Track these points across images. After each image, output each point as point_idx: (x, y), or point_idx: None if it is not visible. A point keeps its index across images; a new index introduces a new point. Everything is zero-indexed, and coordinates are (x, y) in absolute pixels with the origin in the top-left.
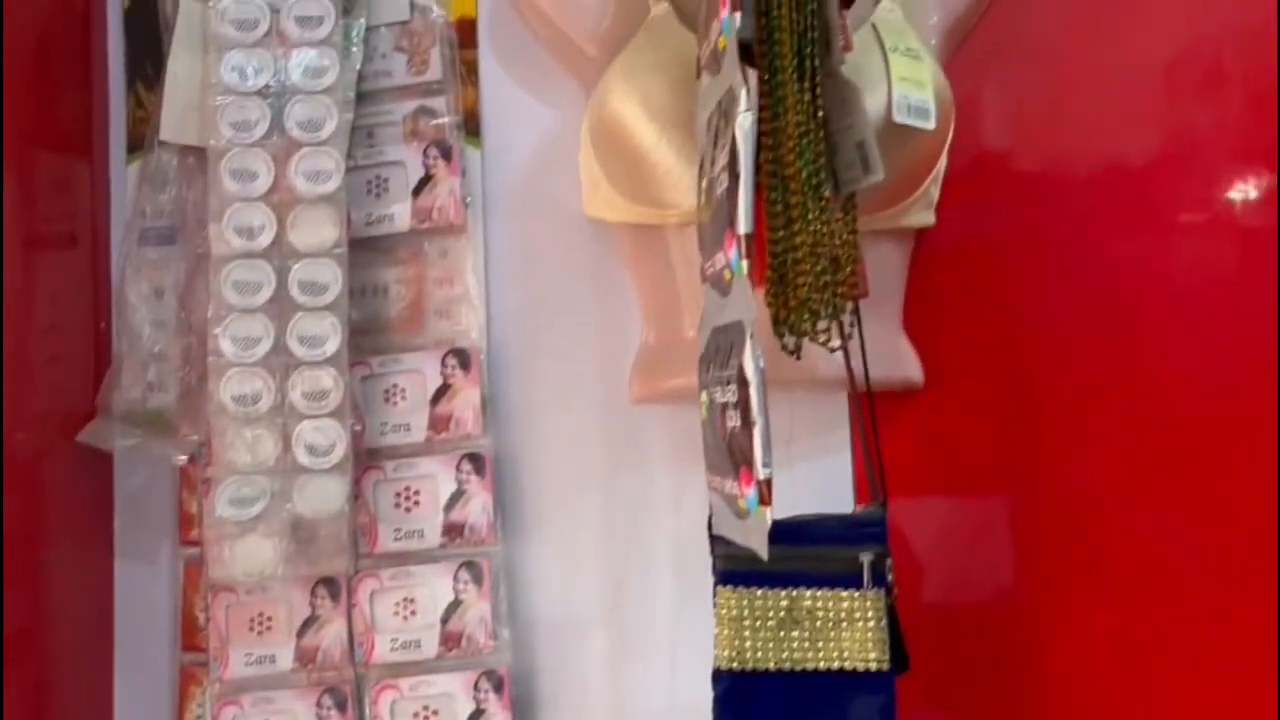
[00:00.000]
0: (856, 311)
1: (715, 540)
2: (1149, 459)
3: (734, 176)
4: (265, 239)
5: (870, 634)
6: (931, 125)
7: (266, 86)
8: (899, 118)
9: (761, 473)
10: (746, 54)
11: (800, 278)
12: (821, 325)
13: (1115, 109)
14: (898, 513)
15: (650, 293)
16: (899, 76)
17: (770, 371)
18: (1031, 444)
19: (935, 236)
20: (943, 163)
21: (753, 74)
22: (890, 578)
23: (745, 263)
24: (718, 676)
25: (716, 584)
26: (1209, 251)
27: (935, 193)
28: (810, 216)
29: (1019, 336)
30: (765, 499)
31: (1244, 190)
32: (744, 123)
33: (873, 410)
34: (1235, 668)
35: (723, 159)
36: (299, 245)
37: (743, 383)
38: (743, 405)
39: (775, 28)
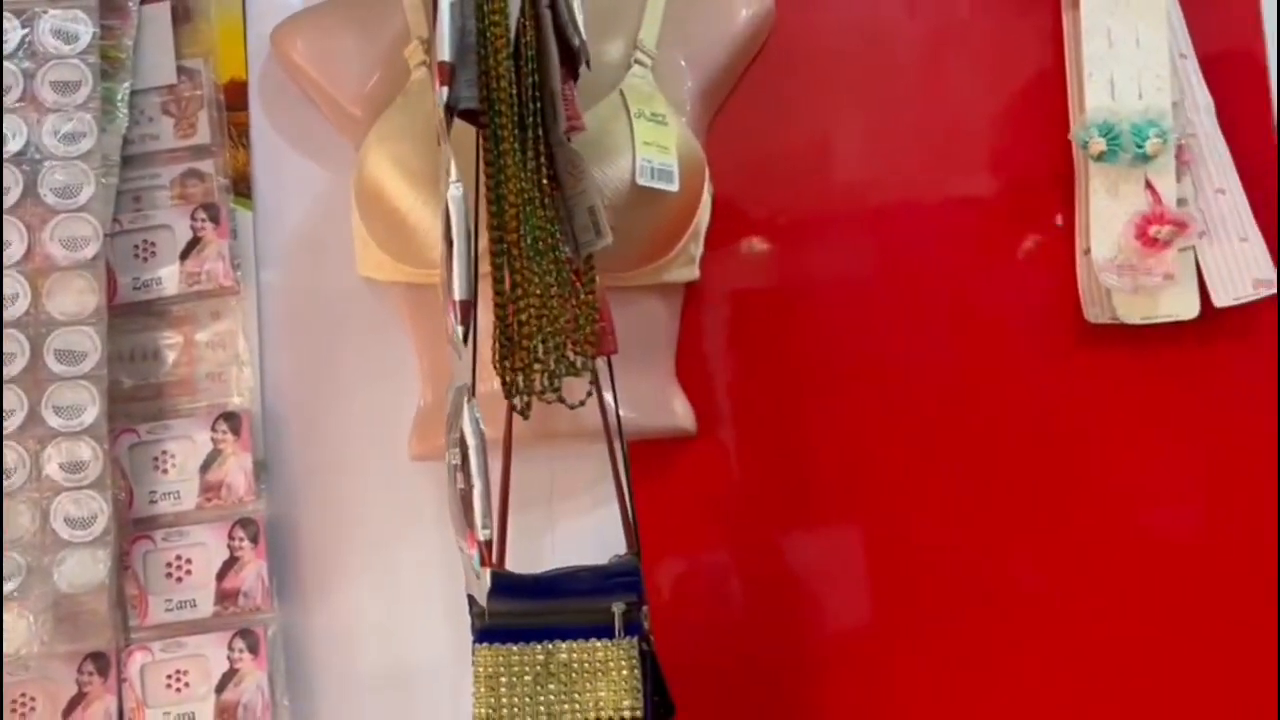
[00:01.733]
0: (610, 367)
1: (472, 599)
2: (917, 502)
3: (448, 243)
4: (19, 308)
5: (624, 683)
6: (674, 188)
7: (20, 153)
8: (641, 181)
9: (481, 534)
10: (475, 122)
11: (525, 340)
12: (557, 384)
13: (868, 167)
14: (675, 560)
15: (426, 351)
16: (643, 141)
17: (541, 425)
18: (803, 489)
19: (704, 290)
20: (703, 220)
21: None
22: (646, 625)
23: (461, 329)
24: None
25: (474, 642)
26: (965, 297)
27: (696, 250)
28: (535, 281)
29: (786, 385)
30: (485, 559)
31: (994, 239)
32: (453, 193)
33: (626, 461)
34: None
35: (440, 226)
36: (55, 313)
37: (463, 445)
38: (464, 467)
39: (496, 99)
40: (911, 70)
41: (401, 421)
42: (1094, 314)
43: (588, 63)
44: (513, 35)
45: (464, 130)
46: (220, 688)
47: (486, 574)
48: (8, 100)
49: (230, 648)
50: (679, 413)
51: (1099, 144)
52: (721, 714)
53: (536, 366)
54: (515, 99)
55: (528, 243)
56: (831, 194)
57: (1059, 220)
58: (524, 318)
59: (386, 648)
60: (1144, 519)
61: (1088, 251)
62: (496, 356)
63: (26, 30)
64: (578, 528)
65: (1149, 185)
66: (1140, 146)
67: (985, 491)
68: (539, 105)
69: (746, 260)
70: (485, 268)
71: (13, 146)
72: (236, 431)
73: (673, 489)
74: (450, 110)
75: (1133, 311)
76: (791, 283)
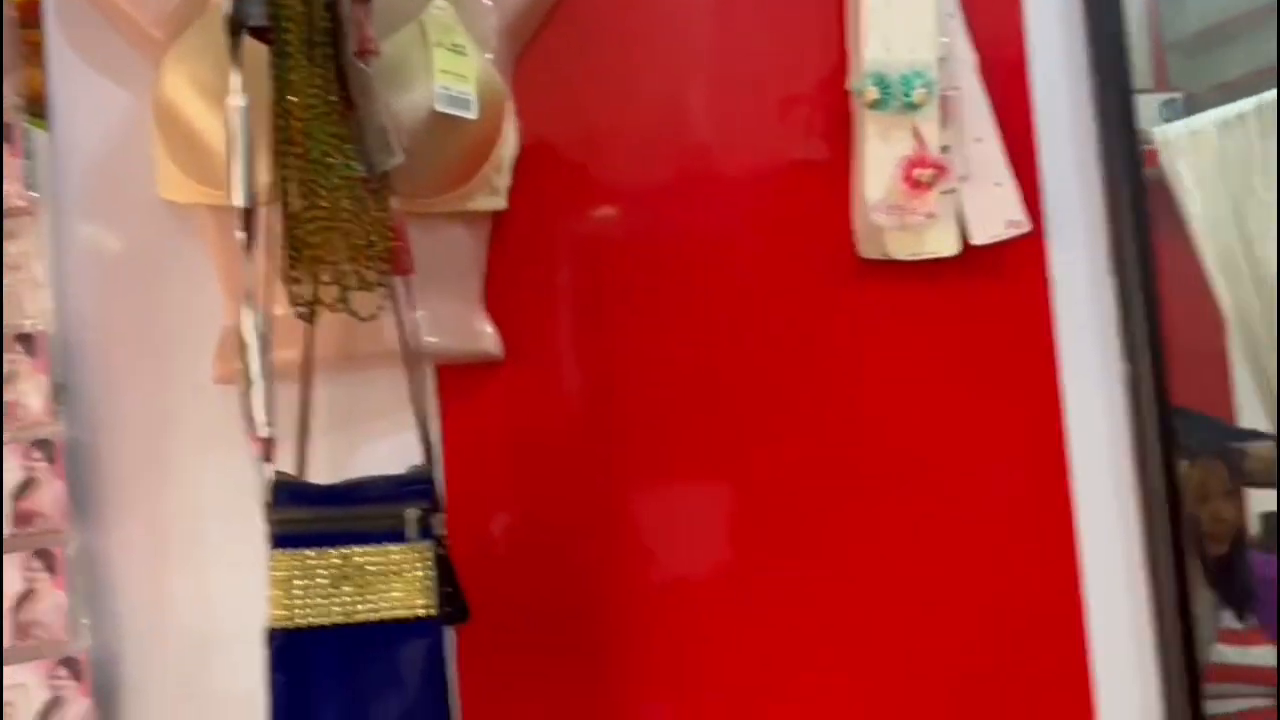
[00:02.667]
0: (409, 288)
1: (268, 506)
2: (711, 431)
3: (230, 152)
4: None
5: (418, 584)
6: (472, 115)
7: None
8: (439, 107)
9: (262, 431)
10: (263, 38)
11: (311, 250)
12: (346, 296)
13: (667, 110)
14: (479, 478)
15: (228, 273)
16: (440, 69)
17: (342, 346)
18: (604, 415)
19: (512, 221)
20: (507, 152)
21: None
22: (439, 532)
23: (241, 234)
24: (271, 636)
25: (269, 548)
26: (755, 233)
27: (501, 180)
28: (323, 194)
29: (591, 315)
30: (267, 456)
31: (782, 180)
32: (233, 103)
33: (419, 376)
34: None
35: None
36: None
37: (243, 346)
38: (244, 368)
39: (283, 16)
40: (707, 21)
41: (205, 344)
42: (867, 250)
43: None
44: None
45: (260, 52)
46: (17, 608)
47: (270, 469)
48: None
49: (27, 568)
50: (485, 337)
51: (872, 92)
52: (519, 624)
53: (324, 278)
54: (304, 18)
55: (314, 156)
56: (632, 133)
57: (839, 165)
58: (311, 228)
59: (191, 567)
60: (915, 438)
61: (863, 193)
62: (282, 264)
63: None
64: (382, 450)
65: (916, 132)
66: (908, 95)
67: (772, 410)
68: (329, 25)
69: (554, 194)
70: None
71: None
72: (32, 353)
73: (480, 413)
74: (237, 26)
75: (901, 248)
76: (596, 217)
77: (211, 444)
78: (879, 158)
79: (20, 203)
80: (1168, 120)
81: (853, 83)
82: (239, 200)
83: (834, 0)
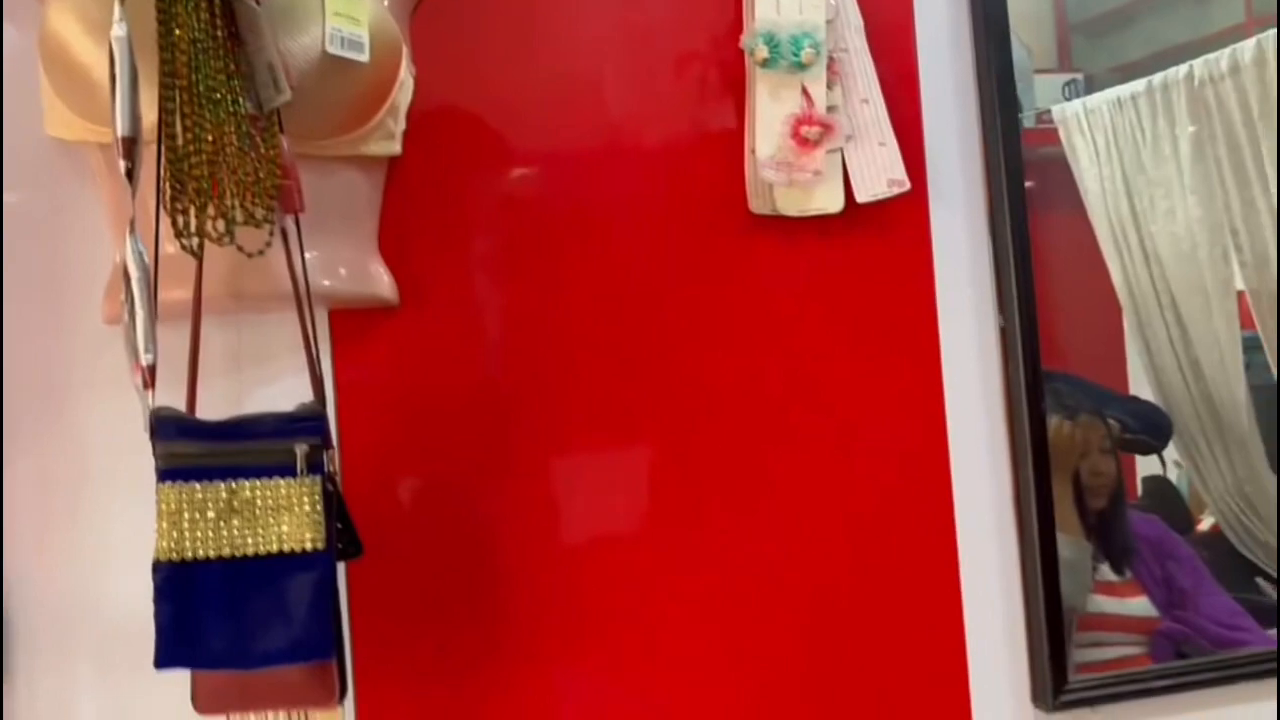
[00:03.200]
0: (299, 227)
1: (154, 439)
2: (603, 379)
3: (112, 81)
4: None
5: (306, 518)
6: (364, 58)
7: None
8: (331, 49)
9: (144, 359)
10: None
11: (195, 184)
12: (231, 228)
13: (565, 61)
14: (373, 423)
15: (118, 211)
16: (333, 11)
17: (237, 285)
18: (497, 361)
19: (408, 168)
20: (403, 97)
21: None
22: (330, 468)
23: (124, 163)
24: (157, 568)
25: (158, 482)
26: (648, 185)
27: (396, 126)
28: (209, 128)
29: (486, 262)
30: (148, 383)
31: (677, 134)
32: (116, 32)
33: (311, 317)
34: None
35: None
36: None
37: (125, 276)
38: (129, 299)
39: None
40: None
41: (95, 284)
42: (758, 206)
43: None
44: None
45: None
46: None
47: (150, 397)
48: None
49: None
50: (379, 281)
51: (763, 51)
52: (414, 564)
53: (210, 211)
54: None
55: (200, 90)
56: (530, 87)
57: (733, 122)
58: (195, 161)
59: (80, 505)
60: (802, 387)
61: (754, 150)
62: (166, 196)
63: None
64: (273, 393)
65: (804, 91)
66: (797, 55)
67: (666, 360)
68: None
69: (451, 143)
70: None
71: None
72: None
73: (374, 358)
74: None
75: (789, 205)
76: (491, 166)
77: (101, 384)
78: (769, 115)
79: None
80: (1069, 100)
81: (745, 41)
82: (122, 129)
83: None
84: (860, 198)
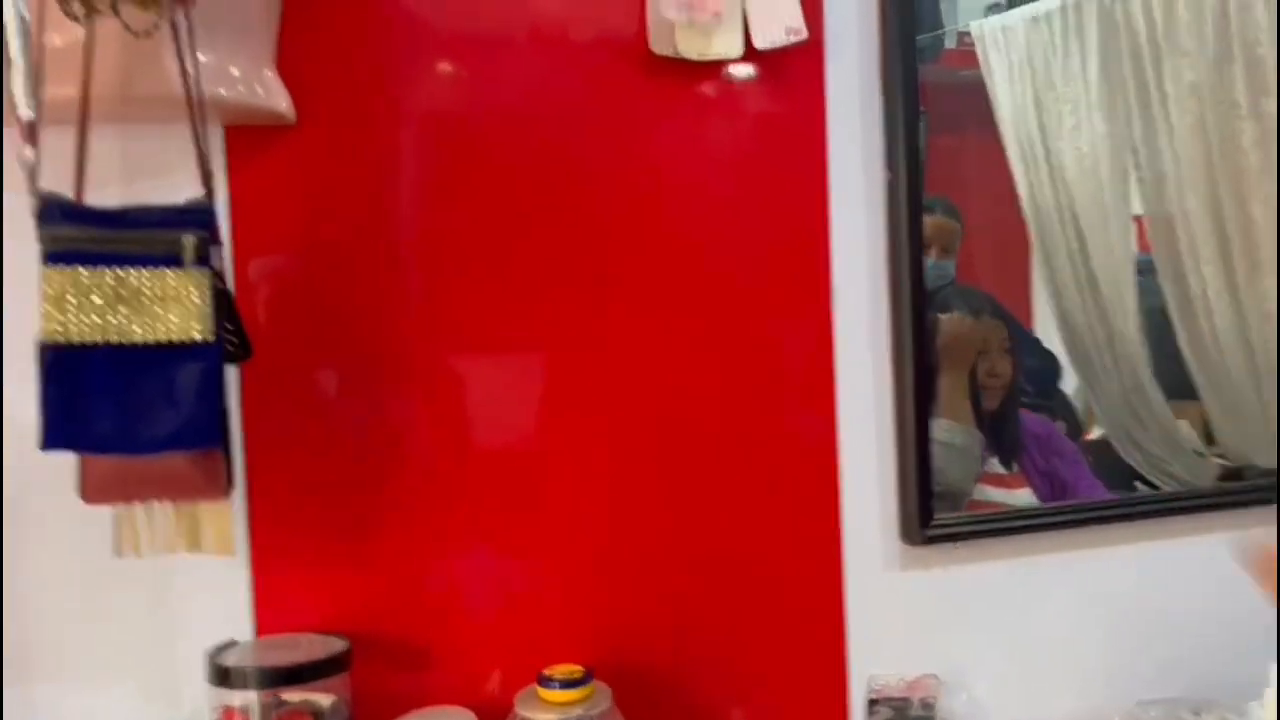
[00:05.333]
0: (190, 25)
1: (40, 220)
2: (503, 214)
3: None
4: None
5: (194, 309)
6: None
7: None
8: None
9: (23, 112)
10: None
11: None
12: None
13: None
14: (267, 240)
15: None
16: None
17: (127, 86)
18: (392, 187)
19: None
20: None
21: None
22: (216, 264)
23: None
24: (43, 350)
25: (42, 265)
26: (548, 22)
27: None
28: None
29: (385, 82)
30: (29, 139)
31: None
32: None
33: (202, 121)
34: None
35: None
36: None
37: (3, 26)
38: (4, 49)
39: None
40: None
41: None
42: (659, 47)
43: None
44: None
45: None
46: None
47: (27, 151)
48: None
49: None
50: (275, 93)
51: None
52: (301, 369)
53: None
54: None
55: None
56: None
57: None
58: None
59: None
60: (692, 231)
61: None
62: None
63: None
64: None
65: None
66: None
67: (559, 197)
68: None
69: None
70: None
71: None
72: None
73: (270, 175)
74: None
75: (690, 48)
76: None
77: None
78: None
79: None
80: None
81: None
82: None
83: None
84: (758, 44)
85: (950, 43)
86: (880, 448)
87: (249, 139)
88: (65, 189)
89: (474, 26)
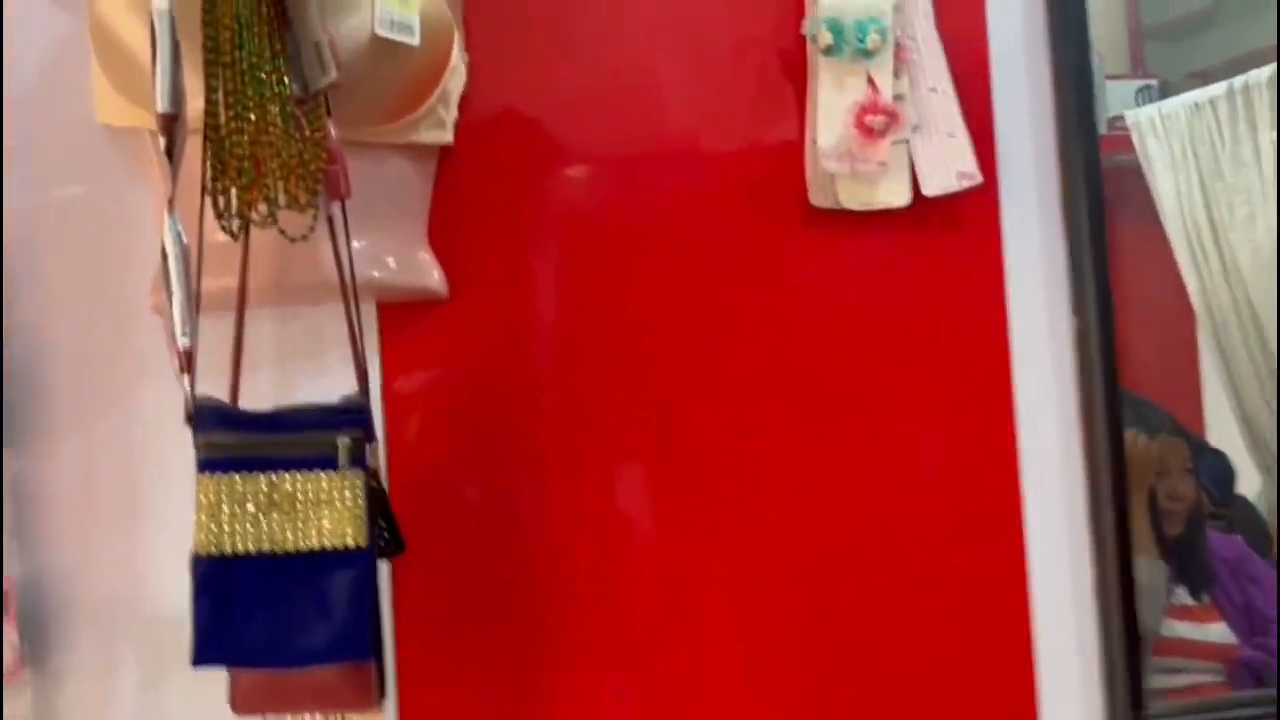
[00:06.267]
0: (345, 215)
1: (195, 428)
2: (653, 372)
3: (153, 56)
4: None
5: (348, 514)
6: (415, 41)
7: None
8: (380, 31)
9: (181, 342)
10: None
11: (237, 164)
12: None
13: (618, 50)
14: (420, 417)
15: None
16: None
17: (278, 276)
18: (548, 357)
19: (459, 155)
20: (455, 84)
21: None
22: (372, 462)
23: (162, 139)
24: (196, 562)
25: (197, 472)
26: (704, 177)
27: (448, 114)
28: (252, 106)
29: (538, 255)
30: (184, 367)
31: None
32: (157, 4)
33: (356, 305)
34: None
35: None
36: None
37: (164, 256)
38: (165, 277)
39: None
40: None
41: (143, 272)
42: (819, 199)
43: None
44: None
45: None
46: None
47: (187, 382)
48: None
49: None
50: (428, 273)
51: (827, 37)
52: (457, 561)
53: (252, 192)
54: None
55: (244, 68)
56: (584, 73)
57: (792, 111)
58: (238, 140)
59: (121, 494)
60: (862, 390)
61: (815, 141)
62: (208, 177)
63: None
64: (319, 386)
65: (870, 79)
66: (862, 41)
67: (719, 357)
68: None
69: (503, 131)
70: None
71: None
72: None
73: (422, 351)
74: None
75: (853, 198)
76: (545, 155)
77: (146, 373)
78: (832, 104)
79: None
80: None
81: (807, 27)
82: (161, 105)
83: None
84: (928, 191)
85: (1101, 128)
86: (1080, 630)
87: (401, 315)
88: (220, 375)
89: (624, 188)
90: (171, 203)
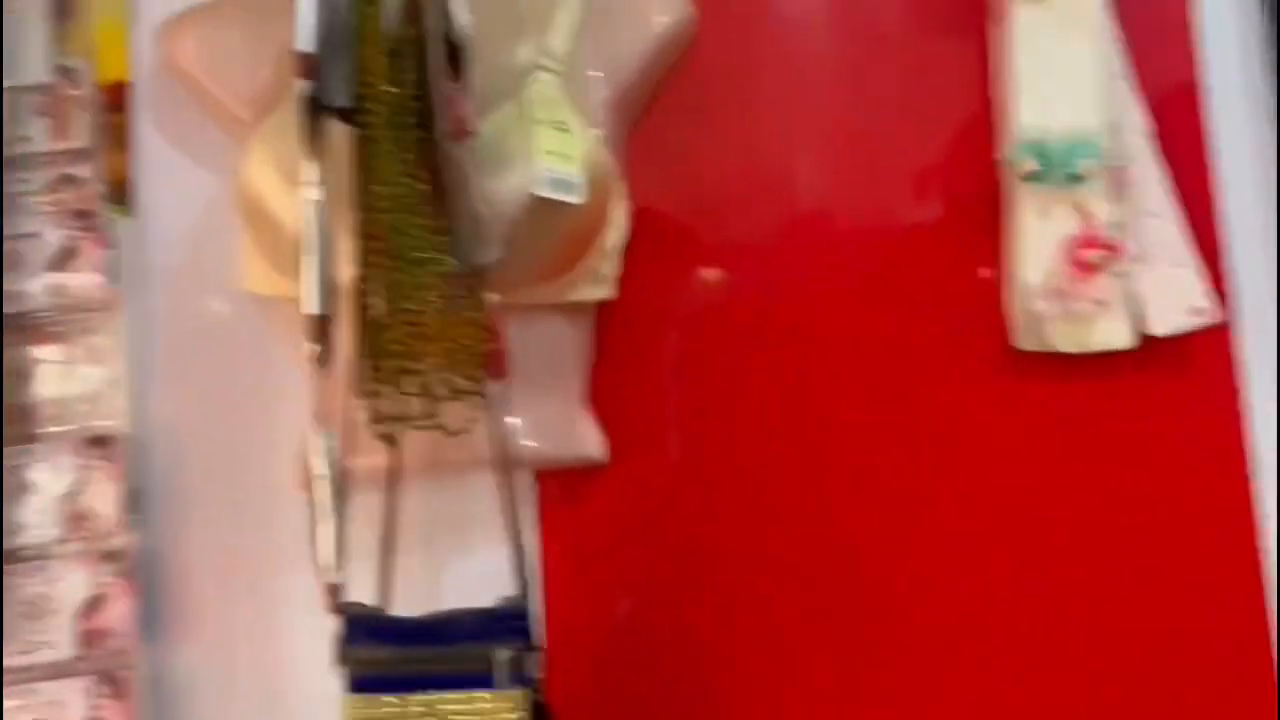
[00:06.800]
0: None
1: (342, 644)
2: (839, 537)
3: (302, 251)
4: None
5: None
6: (577, 199)
7: None
8: (540, 191)
9: (329, 575)
10: (350, 121)
11: (393, 360)
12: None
13: (791, 185)
14: (582, 597)
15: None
16: (544, 150)
17: (435, 453)
18: (719, 523)
19: (618, 310)
20: (616, 236)
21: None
22: (535, 674)
23: (312, 346)
24: None
25: (345, 692)
26: (889, 321)
27: (607, 267)
28: (410, 295)
29: (705, 412)
30: (334, 606)
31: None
32: (308, 196)
33: (512, 481)
34: None
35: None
36: None
37: (311, 476)
38: (313, 502)
39: (369, 96)
40: (835, 84)
41: (287, 446)
42: (1025, 342)
43: (469, 59)
44: (391, 29)
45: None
46: None
47: (331, 621)
48: None
49: (92, 694)
50: (588, 441)
51: (1029, 164)
52: None
53: (410, 388)
54: (391, 97)
55: (402, 252)
56: (754, 213)
57: (987, 242)
58: (395, 335)
59: (266, 690)
60: (1084, 557)
61: (1018, 277)
62: (361, 376)
63: None
64: (474, 566)
65: (1081, 208)
66: (1071, 167)
67: (910, 530)
68: (420, 105)
69: (665, 280)
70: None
71: None
72: (107, 457)
73: (582, 521)
74: (316, 106)
75: (1066, 340)
76: (712, 304)
77: (291, 555)
78: (1037, 237)
79: (100, 294)
80: None
81: (1004, 152)
82: (311, 307)
83: (979, 56)
84: (1156, 330)
85: None
86: None
87: (560, 482)
88: (369, 553)
89: (800, 336)
90: (322, 417)
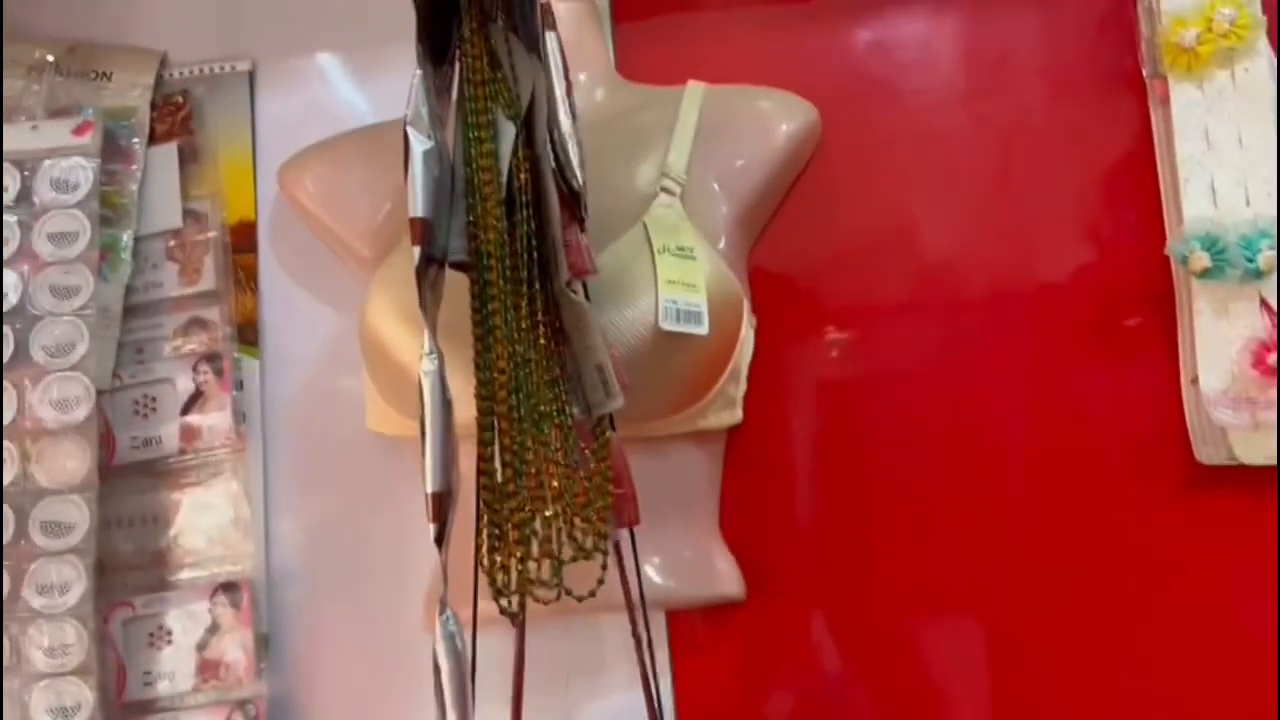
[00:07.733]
0: (633, 536)
1: None
2: (1004, 673)
3: (422, 431)
4: (6, 476)
5: None
6: (703, 330)
7: (15, 310)
8: (666, 325)
9: None
10: (464, 271)
11: (516, 531)
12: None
13: (934, 289)
14: None
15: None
16: (666, 280)
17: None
18: (868, 663)
19: (749, 433)
20: (744, 358)
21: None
22: None
23: (434, 526)
24: None
25: None
26: (1050, 436)
27: (737, 391)
28: (530, 457)
29: (848, 540)
30: None
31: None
32: (425, 367)
33: (645, 624)
34: None
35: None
36: (43, 481)
37: (436, 669)
38: (439, 696)
39: (484, 251)
40: (980, 179)
41: (416, 589)
42: (1207, 454)
43: (586, 207)
44: (504, 180)
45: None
46: None
47: None
48: (6, 252)
49: None
50: (723, 577)
51: (1201, 259)
52: None
53: (533, 554)
54: (506, 250)
55: (522, 412)
56: (894, 321)
57: (1158, 345)
58: (516, 504)
59: None
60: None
61: (1195, 381)
62: (485, 549)
63: (28, 176)
64: (607, 710)
65: (1264, 304)
66: (1251, 260)
67: (1085, 652)
68: (536, 255)
69: (797, 397)
70: None
71: (7, 303)
72: (236, 604)
73: (719, 662)
74: (430, 266)
75: (1254, 452)
76: (850, 422)
77: (421, 699)
78: (1216, 338)
79: (228, 438)
80: None
81: (1173, 246)
82: (432, 485)
83: (1140, 142)
84: None
85: None
86: None
87: (694, 622)
88: (500, 698)
89: (951, 458)
90: (443, 601)
